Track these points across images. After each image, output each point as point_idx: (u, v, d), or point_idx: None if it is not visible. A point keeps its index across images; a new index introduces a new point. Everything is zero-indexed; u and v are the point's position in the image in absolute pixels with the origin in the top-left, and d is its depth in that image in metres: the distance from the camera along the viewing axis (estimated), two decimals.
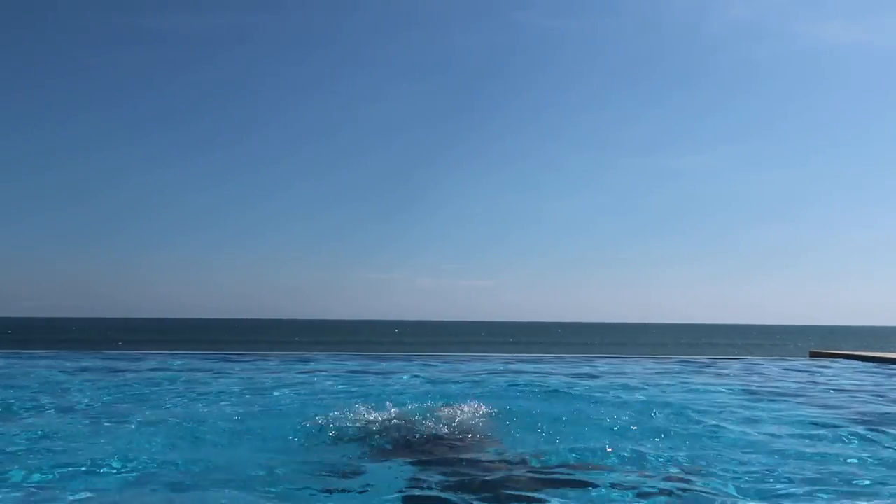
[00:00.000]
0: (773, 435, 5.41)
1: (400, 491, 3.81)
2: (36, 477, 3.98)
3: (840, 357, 14.81)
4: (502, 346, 39.60)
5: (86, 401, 6.97)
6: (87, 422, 5.83)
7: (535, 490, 3.74)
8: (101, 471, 4.16)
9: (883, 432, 5.52)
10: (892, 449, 4.95)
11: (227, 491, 3.74)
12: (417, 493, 3.80)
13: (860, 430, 5.65)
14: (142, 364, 10.82)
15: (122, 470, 4.17)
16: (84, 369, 10.00)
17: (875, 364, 13.04)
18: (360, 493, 3.90)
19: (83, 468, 4.19)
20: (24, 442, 4.92)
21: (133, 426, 5.58)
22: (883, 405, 7.32)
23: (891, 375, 10.75)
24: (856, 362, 13.62)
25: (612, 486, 3.88)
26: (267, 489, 3.85)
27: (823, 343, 46.67)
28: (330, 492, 3.91)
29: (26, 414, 6.22)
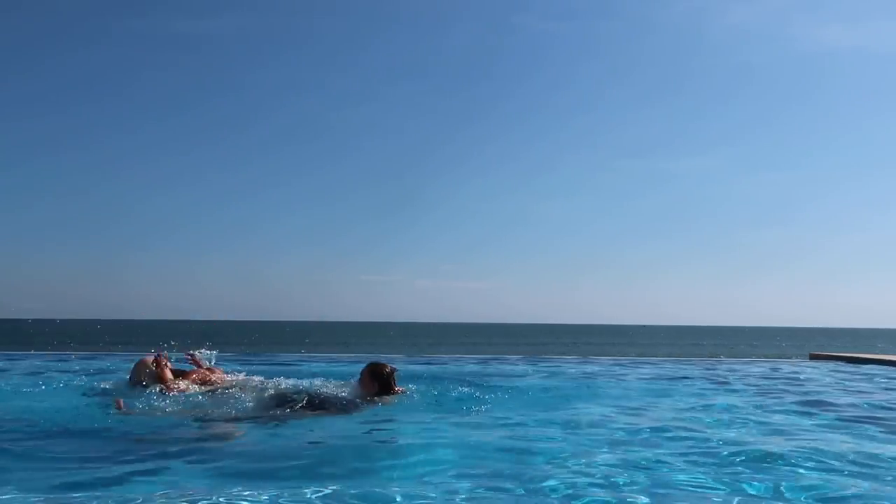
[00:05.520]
0: (782, 436, 5.57)
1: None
2: None
3: (841, 359, 14.96)
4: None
5: None
6: None
7: None
8: None
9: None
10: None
11: None
12: None
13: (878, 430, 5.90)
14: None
15: None
16: None
17: (876, 366, 13.20)
18: None
19: None
20: None
21: None
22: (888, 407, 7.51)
23: (892, 377, 10.89)
24: (857, 365, 13.77)
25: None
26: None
27: (820, 345, 46.74)
28: None
29: None
